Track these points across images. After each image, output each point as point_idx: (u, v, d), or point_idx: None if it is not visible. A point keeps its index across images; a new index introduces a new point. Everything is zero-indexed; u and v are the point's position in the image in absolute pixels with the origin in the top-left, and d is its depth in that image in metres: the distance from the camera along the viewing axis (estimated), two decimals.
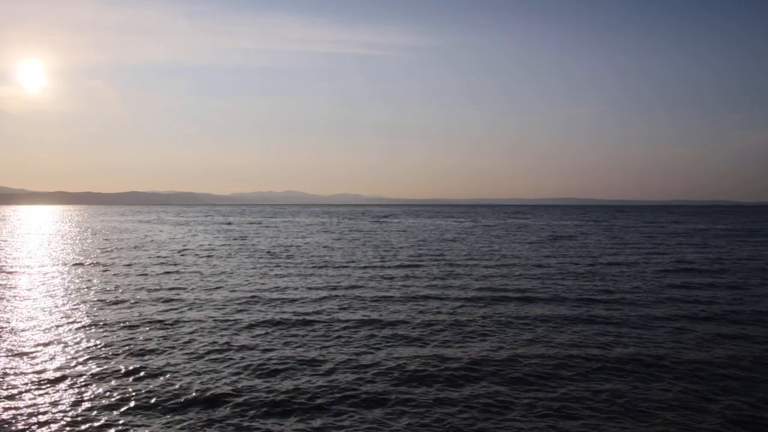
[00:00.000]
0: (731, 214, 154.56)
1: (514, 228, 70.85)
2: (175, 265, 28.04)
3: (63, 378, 10.53)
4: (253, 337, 13.88)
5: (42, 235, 56.45)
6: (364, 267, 26.82)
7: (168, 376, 10.67)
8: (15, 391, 9.82)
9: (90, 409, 9.16)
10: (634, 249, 37.41)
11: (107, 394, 9.82)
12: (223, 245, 40.92)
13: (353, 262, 29.53)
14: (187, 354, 12.26)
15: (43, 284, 21.97)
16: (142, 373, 10.87)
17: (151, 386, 10.12)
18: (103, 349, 12.56)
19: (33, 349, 12.41)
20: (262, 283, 21.78)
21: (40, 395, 9.70)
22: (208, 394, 9.78)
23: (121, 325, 14.98)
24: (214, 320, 15.41)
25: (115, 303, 18.07)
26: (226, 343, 13.21)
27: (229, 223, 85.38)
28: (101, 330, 14.33)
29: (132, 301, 18.38)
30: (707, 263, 28.71)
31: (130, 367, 11.22)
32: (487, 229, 67.52)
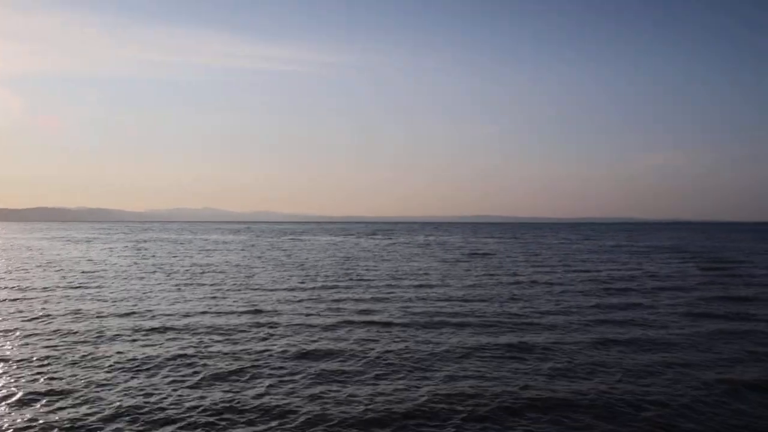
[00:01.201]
0: (636, 232, 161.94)
1: (435, 245, 71.49)
2: (80, 288, 26.06)
3: None
4: (150, 378, 11.81)
5: None
6: (288, 288, 25.95)
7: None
8: None
9: None
10: (551, 266, 38.21)
11: None
12: (135, 265, 39.05)
13: (276, 282, 28.60)
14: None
15: None
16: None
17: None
18: None
19: None
20: (177, 308, 20.13)
21: None
22: None
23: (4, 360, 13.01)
24: (122, 355, 13.48)
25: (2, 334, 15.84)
26: (124, 390, 11.03)
27: (144, 241, 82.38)
28: None
29: (23, 333, 15.96)
30: (621, 279, 29.47)
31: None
32: (405, 246, 67.78)
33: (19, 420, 9.41)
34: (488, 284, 28.05)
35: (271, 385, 11.29)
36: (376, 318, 18.47)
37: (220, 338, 15.45)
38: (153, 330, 16.45)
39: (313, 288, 26.18)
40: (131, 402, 10.28)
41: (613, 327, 17.24)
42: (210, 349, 14.12)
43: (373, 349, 14.25)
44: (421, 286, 27.20)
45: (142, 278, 30.12)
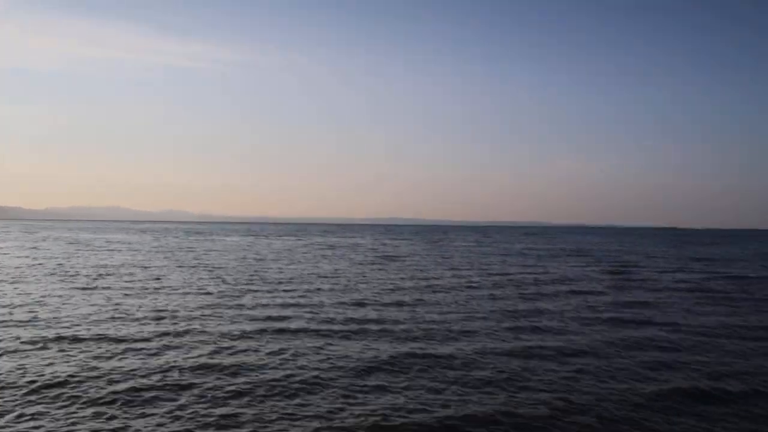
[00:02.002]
0: (542, 235, 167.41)
1: (346, 247, 71.25)
2: None
3: None
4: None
5: None
6: (196, 292, 24.97)
7: None
8: None
9: None
10: (462, 269, 38.61)
11: None
12: (32, 267, 36.75)
13: (184, 285, 27.54)
14: None
15: None
16: None
17: None
18: None
19: None
20: (73, 315, 18.63)
21: None
22: None
23: None
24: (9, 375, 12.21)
25: None
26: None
27: (43, 240, 78.10)
28: None
29: None
30: (531, 284, 30.06)
31: None
32: (317, 247, 67.13)
33: None
34: (400, 288, 27.93)
35: (169, 412, 10.17)
36: (288, 325, 17.79)
37: (119, 350, 14.30)
38: (49, 341, 15.10)
39: (223, 292, 25.33)
40: None
41: (527, 334, 17.24)
42: (105, 366, 12.87)
43: (286, 360, 13.55)
44: (332, 289, 26.77)
45: (39, 282, 28.31)
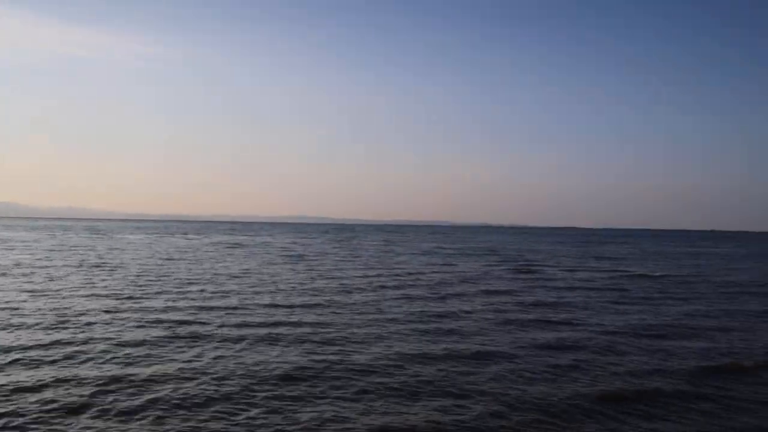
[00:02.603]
0: (446, 235, 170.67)
1: (254, 245, 69.72)
2: None
3: None
4: None
5: None
6: (98, 295, 23.54)
7: None
8: None
9: None
10: (371, 268, 38.42)
11: None
12: None
13: (88, 287, 25.86)
14: None
15: None
16: None
17: None
18: None
19: None
20: None
21: None
22: None
23: None
24: None
25: None
26: None
27: None
28: None
29: None
30: (443, 284, 30.23)
31: None
32: (225, 246, 65.38)
33: None
34: (312, 289, 27.25)
35: None
36: (200, 330, 16.89)
37: (7, 362, 12.99)
38: None
39: (128, 294, 23.92)
40: None
41: (442, 337, 17.06)
42: None
43: (201, 370, 12.70)
44: (242, 291, 25.77)
45: None
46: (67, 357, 13.63)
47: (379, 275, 35.34)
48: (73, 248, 58.65)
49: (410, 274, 36.81)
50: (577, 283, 33.02)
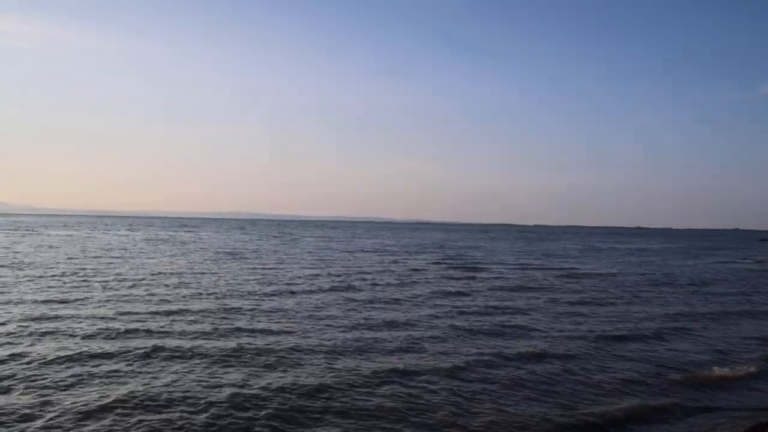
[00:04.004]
0: (388, 230, 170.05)
1: (184, 242, 66.63)
2: None
3: None
4: None
5: None
6: (23, 301, 20.90)
7: None
8: None
9: None
10: (317, 269, 36.53)
11: None
12: None
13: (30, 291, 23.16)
14: None
15: None
16: None
17: None
18: None
19: None
20: None
21: None
22: None
23: None
24: None
25: None
26: None
27: None
28: None
29: None
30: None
31: None
32: (160, 242, 62.10)
33: None
34: (257, 293, 25.21)
35: None
36: (159, 343, 14.80)
37: None
38: None
39: (56, 297, 21.35)
40: None
41: (401, 353, 15.35)
42: None
43: (172, 395, 10.76)
44: (188, 294, 23.63)
45: None
46: None
47: (321, 275, 33.28)
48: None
49: (359, 273, 34.97)
50: (526, 283, 31.94)
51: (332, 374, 12.45)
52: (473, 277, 34.78)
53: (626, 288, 31.01)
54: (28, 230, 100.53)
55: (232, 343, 14.99)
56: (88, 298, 22.22)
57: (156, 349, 14.12)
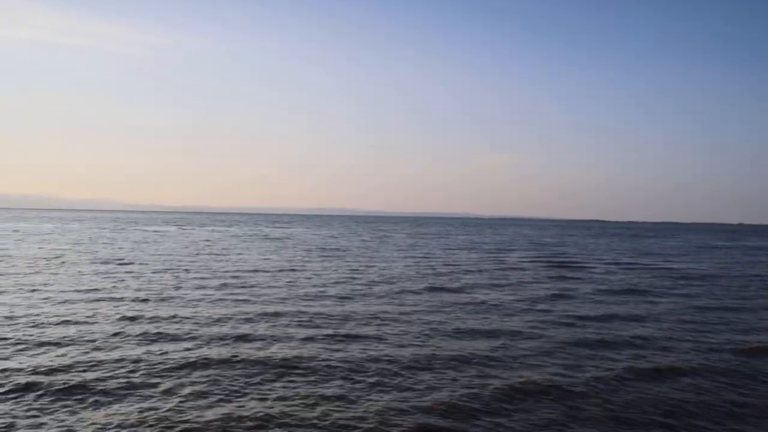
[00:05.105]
0: (477, 227, 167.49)
1: (278, 238, 67.18)
2: None
3: None
4: None
5: None
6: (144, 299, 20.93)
7: None
8: None
9: None
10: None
11: None
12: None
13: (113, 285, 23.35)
14: None
15: None
16: None
17: None
18: None
19: None
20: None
21: None
22: None
23: None
24: None
25: None
26: None
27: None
28: None
29: None
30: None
31: None
32: (255, 238, 62.77)
33: None
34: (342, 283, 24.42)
35: None
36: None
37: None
38: None
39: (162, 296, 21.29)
40: None
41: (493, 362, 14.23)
42: None
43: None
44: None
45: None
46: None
47: (414, 276, 32.24)
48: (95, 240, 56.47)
49: (454, 273, 33.71)
50: (620, 286, 29.71)
51: (466, 388, 11.33)
52: (573, 278, 32.80)
53: (753, 291, 28.31)
54: (128, 226, 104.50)
55: (354, 352, 14.10)
56: (189, 296, 22.00)
57: (269, 359, 13.39)
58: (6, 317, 17.19)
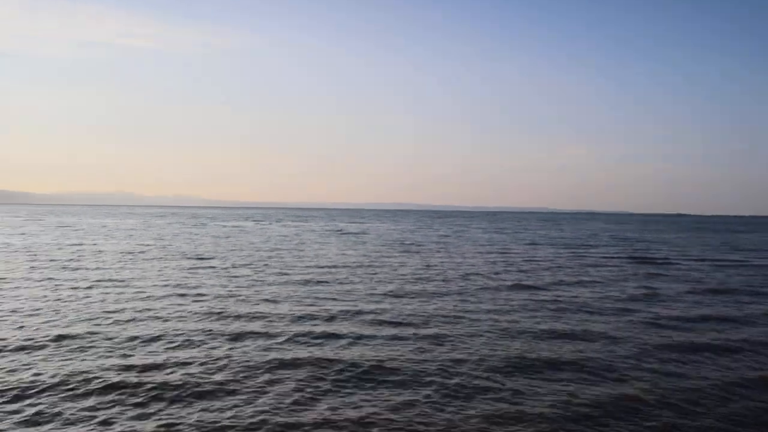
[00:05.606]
0: (549, 221, 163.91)
1: (354, 232, 67.44)
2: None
3: None
4: None
5: None
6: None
7: None
8: None
9: None
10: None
11: None
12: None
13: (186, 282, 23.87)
14: None
15: None
16: None
17: None
18: None
19: None
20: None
21: None
22: None
23: None
24: None
25: None
26: None
27: (64, 226, 74.64)
28: None
29: None
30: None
31: None
32: (332, 233, 63.35)
33: None
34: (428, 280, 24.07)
35: None
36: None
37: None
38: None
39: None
40: None
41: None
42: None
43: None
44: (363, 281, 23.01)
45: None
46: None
47: (499, 272, 31.59)
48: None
49: (535, 269, 32.85)
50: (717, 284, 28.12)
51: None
52: (659, 275, 31.34)
53: None
54: (208, 222, 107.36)
55: (440, 353, 13.78)
56: (271, 293, 22.13)
57: (355, 359, 13.21)
58: (96, 313, 17.65)
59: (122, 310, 17.99)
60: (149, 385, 10.80)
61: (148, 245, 46.07)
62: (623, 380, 11.93)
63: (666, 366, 13.08)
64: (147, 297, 20.66)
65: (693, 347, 14.92)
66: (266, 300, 20.52)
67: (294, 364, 12.46)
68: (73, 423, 9.07)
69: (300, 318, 17.41)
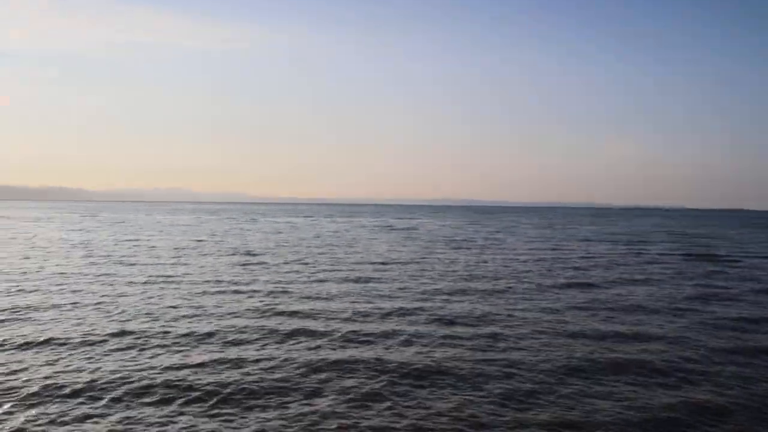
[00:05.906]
0: (598, 217, 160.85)
1: (401, 229, 67.36)
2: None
3: None
4: None
5: None
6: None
7: None
8: None
9: None
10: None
11: None
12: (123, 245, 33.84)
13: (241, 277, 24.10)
14: None
15: None
16: None
17: None
18: None
19: None
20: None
21: None
22: None
23: None
24: None
25: None
26: None
27: (122, 222, 76.81)
28: None
29: None
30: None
31: None
32: (379, 230, 63.43)
33: None
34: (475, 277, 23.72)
35: None
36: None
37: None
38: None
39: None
40: None
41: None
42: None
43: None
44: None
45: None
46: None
47: (551, 269, 30.98)
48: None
49: (589, 266, 32.11)
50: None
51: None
52: (721, 272, 30.24)
53: None
54: (258, 218, 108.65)
55: (498, 355, 13.50)
56: (324, 289, 22.12)
57: (412, 360, 13.03)
58: (153, 308, 17.87)
59: (178, 306, 18.19)
60: (206, 383, 10.81)
61: (201, 241, 46.78)
62: (691, 383, 11.46)
63: (733, 369, 12.51)
64: (202, 293, 20.86)
65: (760, 350, 14.27)
66: (319, 297, 20.49)
67: (349, 363, 12.33)
68: (136, 421, 9.11)
69: (353, 316, 17.30)
